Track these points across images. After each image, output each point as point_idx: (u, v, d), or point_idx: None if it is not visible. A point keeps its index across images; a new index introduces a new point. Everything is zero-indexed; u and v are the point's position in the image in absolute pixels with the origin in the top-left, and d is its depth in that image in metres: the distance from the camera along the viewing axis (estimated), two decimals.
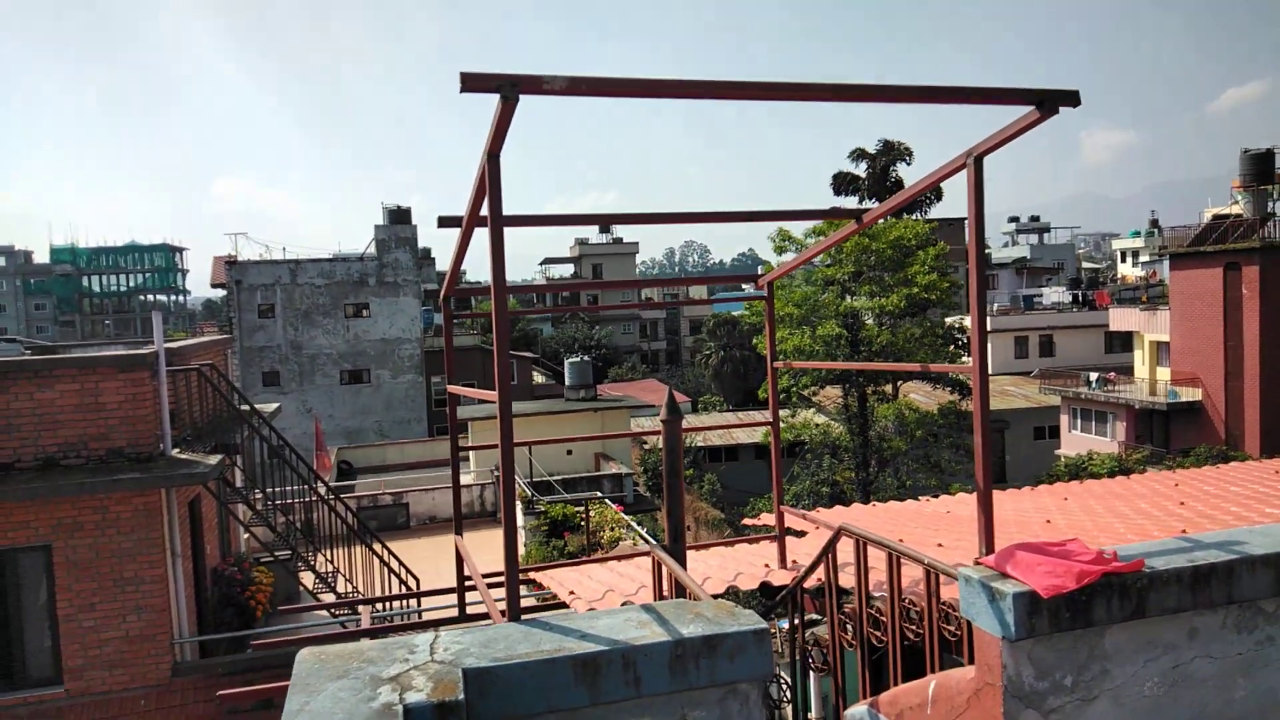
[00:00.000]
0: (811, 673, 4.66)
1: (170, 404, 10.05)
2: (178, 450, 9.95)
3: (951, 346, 31.28)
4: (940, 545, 5.39)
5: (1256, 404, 34.96)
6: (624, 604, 4.53)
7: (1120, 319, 45.36)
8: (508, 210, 3.02)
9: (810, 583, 4.54)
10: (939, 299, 27.71)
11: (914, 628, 3.62)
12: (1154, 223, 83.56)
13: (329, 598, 11.69)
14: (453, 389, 4.50)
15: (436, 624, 5.75)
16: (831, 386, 30.52)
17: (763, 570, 5.21)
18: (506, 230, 3.05)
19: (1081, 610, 2.99)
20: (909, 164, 40.75)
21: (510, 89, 2.59)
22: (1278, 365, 34.80)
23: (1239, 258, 35.04)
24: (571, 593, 5.01)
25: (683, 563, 3.61)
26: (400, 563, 12.32)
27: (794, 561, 5.34)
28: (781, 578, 4.99)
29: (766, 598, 4.89)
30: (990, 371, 38.53)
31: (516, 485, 18.80)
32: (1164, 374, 39.23)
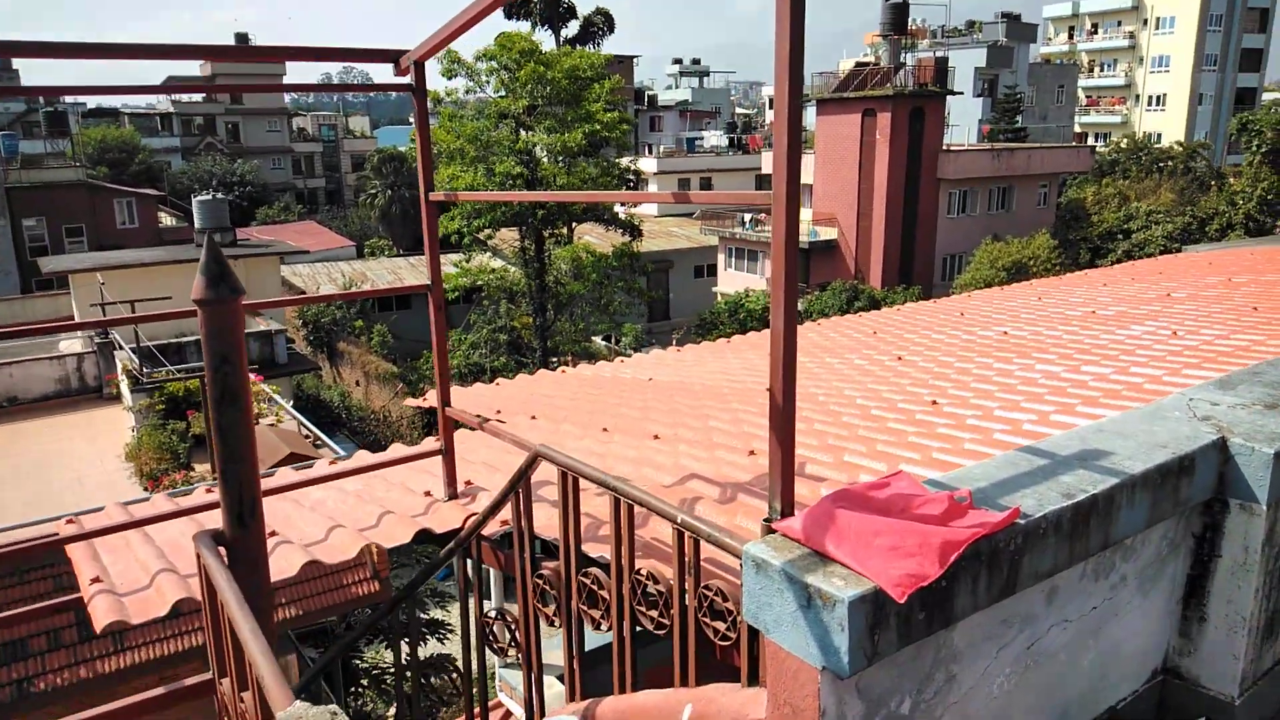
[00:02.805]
0: (495, 658, 3.33)
1: None
2: None
3: (625, 188, 30.90)
4: (656, 437, 4.20)
5: (881, 241, 39.03)
6: (179, 602, 2.80)
7: (770, 161, 48.08)
8: None
9: (494, 527, 3.13)
10: (616, 138, 26.77)
11: (655, 614, 2.32)
12: None
13: None
14: None
15: None
16: (508, 229, 28.98)
17: (422, 503, 3.69)
18: None
19: (940, 605, 1.83)
20: None
21: None
22: (899, 206, 38.87)
23: (875, 104, 37.93)
24: (96, 579, 3.13)
25: (255, 562, 1.96)
26: None
27: (469, 484, 3.88)
28: (449, 518, 3.52)
29: (436, 546, 3.42)
30: (657, 213, 38.68)
31: (123, 357, 15.31)
32: (806, 214, 42.40)
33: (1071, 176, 46.57)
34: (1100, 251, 37.99)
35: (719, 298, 38.96)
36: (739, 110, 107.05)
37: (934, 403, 4.16)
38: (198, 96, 71.03)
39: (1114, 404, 3.77)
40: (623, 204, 32.64)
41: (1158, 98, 66.60)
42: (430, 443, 3.85)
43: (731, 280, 43.27)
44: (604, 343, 33.29)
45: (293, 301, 4.02)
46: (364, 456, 4.27)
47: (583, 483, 2.69)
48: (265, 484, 3.76)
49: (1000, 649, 2.08)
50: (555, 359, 28.40)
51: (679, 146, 68.20)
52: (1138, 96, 68.24)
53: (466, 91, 27.75)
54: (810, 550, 1.82)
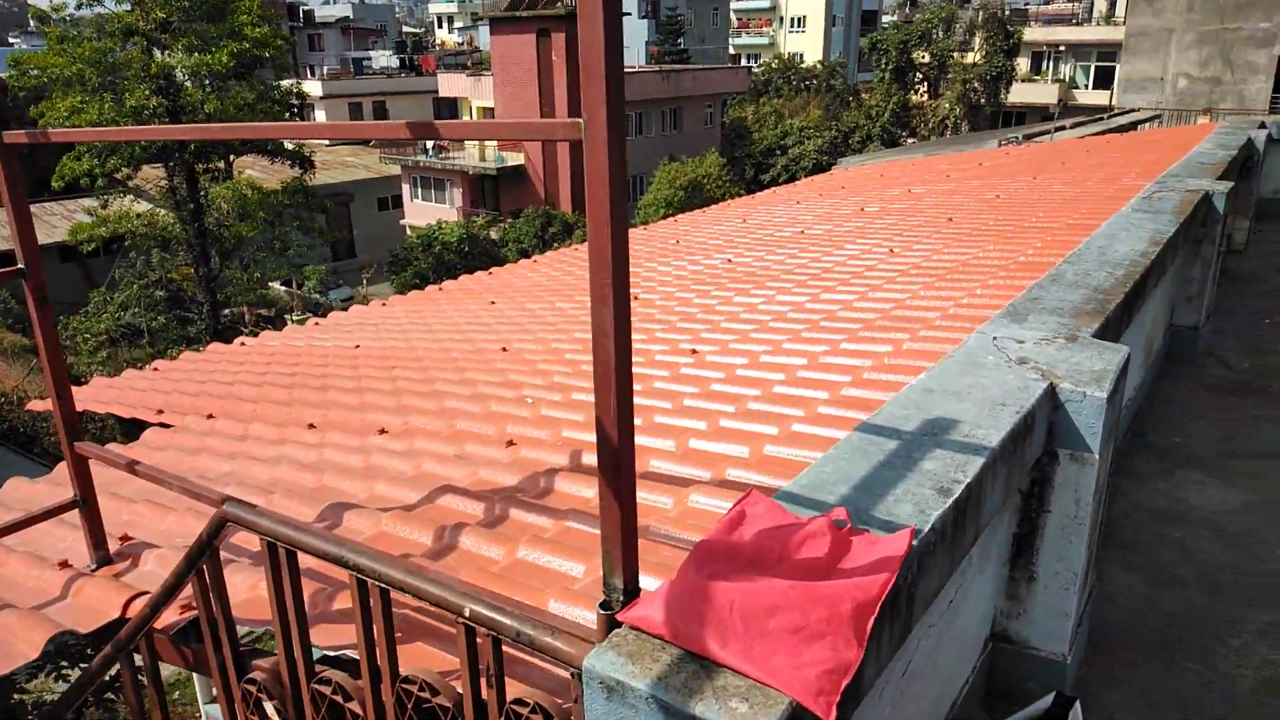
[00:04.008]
0: None
1: None
2: None
3: (288, 114, 27.84)
4: (383, 431, 3.41)
5: (569, 166, 38.99)
6: None
7: (448, 84, 46.05)
8: None
9: (173, 616, 2.22)
10: (273, 57, 23.74)
11: None
12: None
13: None
14: None
15: None
16: (151, 166, 24.96)
17: (58, 581, 2.55)
18: None
19: (854, 688, 1.38)
20: None
21: None
22: None
23: (549, 24, 37.31)
24: None
25: None
26: None
27: (127, 539, 2.79)
28: (101, 603, 2.45)
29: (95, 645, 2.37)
30: (330, 142, 35.52)
31: None
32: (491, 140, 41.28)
33: (732, 97, 49.35)
34: (763, 167, 40.85)
35: (409, 231, 37.03)
36: (406, 29, 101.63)
37: (694, 352, 3.77)
38: None
39: (876, 337, 3.60)
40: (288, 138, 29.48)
41: (798, 19, 72.25)
42: (61, 476, 2.72)
43: (420, 212, 41.24)
44: (284, 289, 30.33)
45: None
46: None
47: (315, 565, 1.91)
48: None
49: (883, 690, 1.69)
50: (228, 312, 25.36)
51: (345, 67, 63.32)
52: (781, 19, 73.61)
53: (79, 6, 23.17)
54: (683, 651, 1.26)
